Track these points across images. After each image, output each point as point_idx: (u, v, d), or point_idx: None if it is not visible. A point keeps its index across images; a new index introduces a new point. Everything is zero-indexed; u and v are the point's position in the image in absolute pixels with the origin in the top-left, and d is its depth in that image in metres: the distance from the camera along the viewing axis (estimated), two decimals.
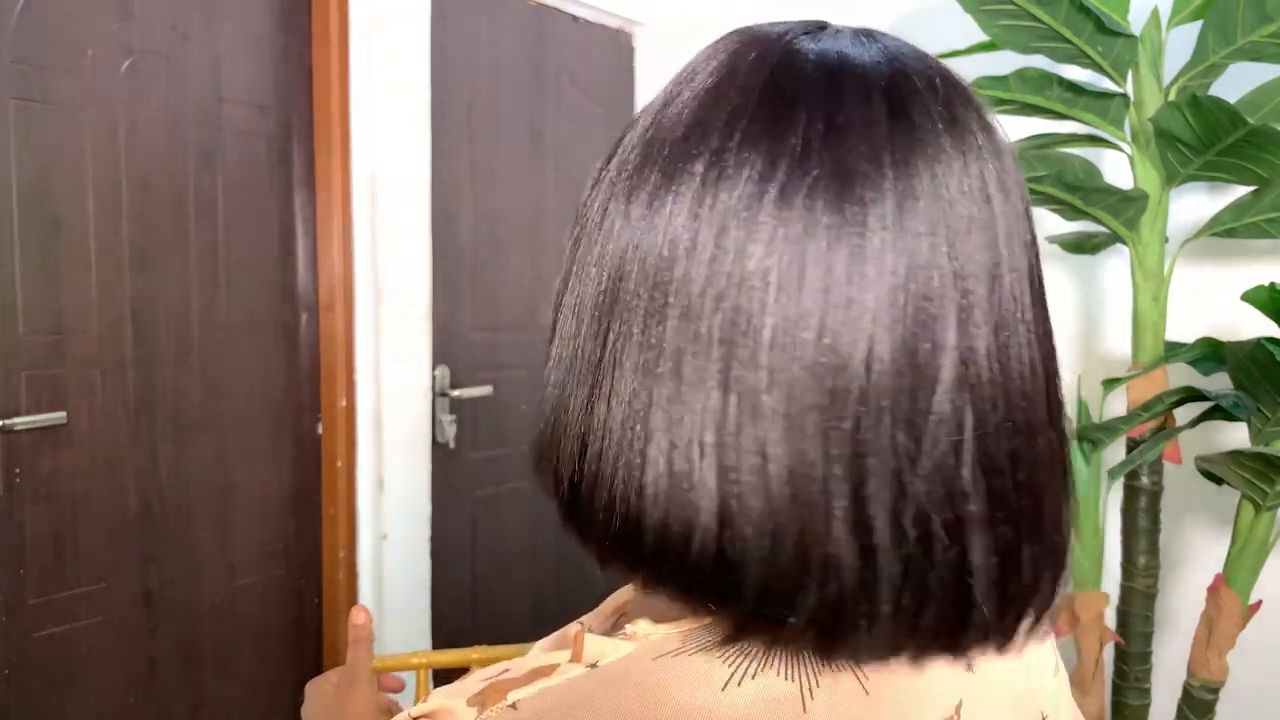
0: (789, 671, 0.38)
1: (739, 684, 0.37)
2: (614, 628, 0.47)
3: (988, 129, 0.40)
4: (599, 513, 0.39)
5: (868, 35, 0.42)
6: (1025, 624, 0.40)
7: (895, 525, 0.36)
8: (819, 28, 0.42)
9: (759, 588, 0.36)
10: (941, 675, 0.42)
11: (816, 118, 0.37)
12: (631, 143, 0.41)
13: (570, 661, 0.40)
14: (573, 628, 0.44)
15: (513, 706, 0.38)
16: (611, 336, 0.39)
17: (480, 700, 0.39)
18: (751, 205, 0.36)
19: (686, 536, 0.37)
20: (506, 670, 0.41)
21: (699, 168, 0.38)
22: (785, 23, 0.43)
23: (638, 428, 0.38)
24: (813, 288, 0.36)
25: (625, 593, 0.52)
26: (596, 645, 0.40)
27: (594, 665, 0.39)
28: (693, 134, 0.39)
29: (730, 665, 0.38)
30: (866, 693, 0.39)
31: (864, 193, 0.36)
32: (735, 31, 0.43)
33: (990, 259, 0.38)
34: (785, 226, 0.36)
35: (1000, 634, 0.39)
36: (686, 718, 0.37)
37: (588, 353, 0.40)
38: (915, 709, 0.40)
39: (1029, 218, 0.41)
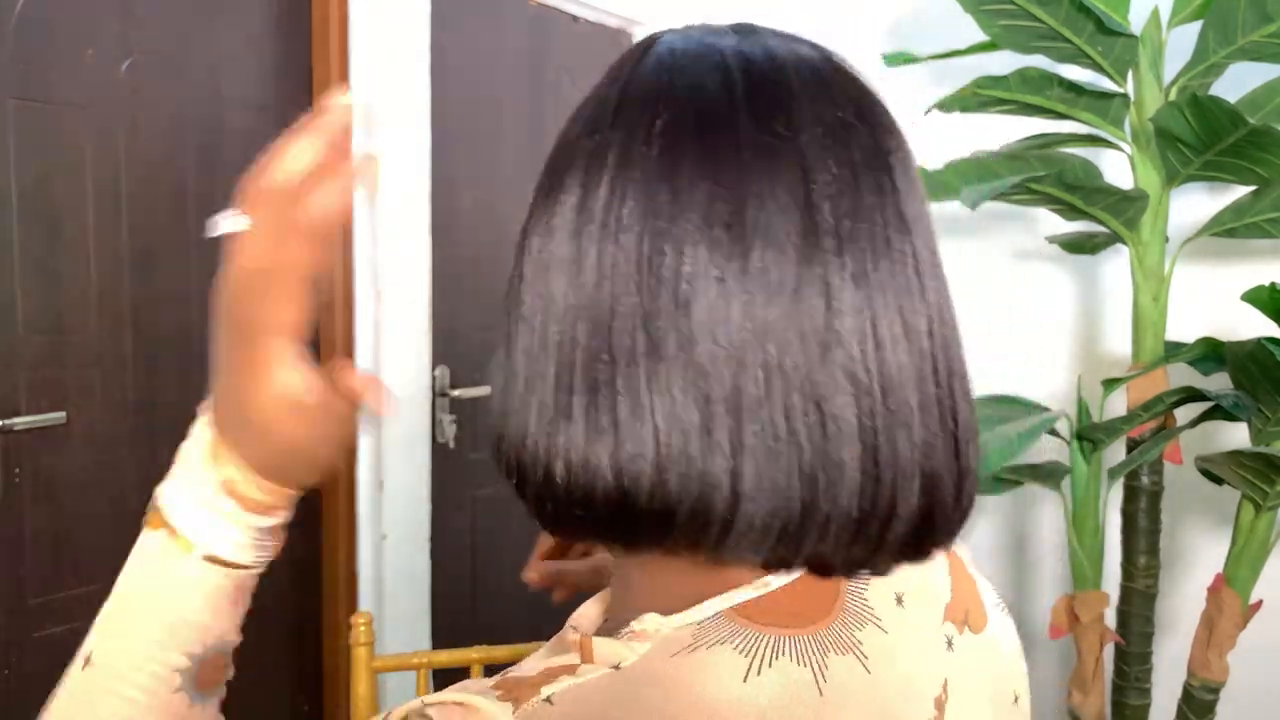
0: (800, 657, 0.40)
1: (758, 673, 0.39)
2: (609, 626, 0.47)
3: (862, 103, 0.42)
4: (557, 485, 0.40)
5: (725, 27, 0.44)
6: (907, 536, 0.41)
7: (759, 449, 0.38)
8: (695, 28, 0.45)
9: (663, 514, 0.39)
10: (931, 656, 0.45)
11: (668, 96, 0.41)
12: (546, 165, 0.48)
13: (584, 661, 0.40)
14: (567, 630, 0.44)
15: (548, 700, 0.38)
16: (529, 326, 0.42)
17: (511, 696, 0.39)
18: (619, 175, 0.41)
19: (590, 486, 0.39)
20: (509, 673, 0.41)
21: (571, 184, 0.44)
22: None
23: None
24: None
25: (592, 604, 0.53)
26: (608, 647, 0.40)
27: (617, 667, 0.39)
28: (566, 147, 0.46)
29: (745, 655, 0.39)
30: (869, 672, 0.41)
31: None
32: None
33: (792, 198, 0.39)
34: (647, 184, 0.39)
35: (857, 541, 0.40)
36: (718, 710, 0.38)
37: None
38: (911, 686, 0.43)
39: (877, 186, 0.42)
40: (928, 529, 0.41)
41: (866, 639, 0.42)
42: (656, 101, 0.41)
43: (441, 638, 2.01)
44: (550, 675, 0.39)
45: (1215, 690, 1.52)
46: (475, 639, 2.01)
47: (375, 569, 1.88)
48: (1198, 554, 1.93)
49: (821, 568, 0.42)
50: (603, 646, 0.40)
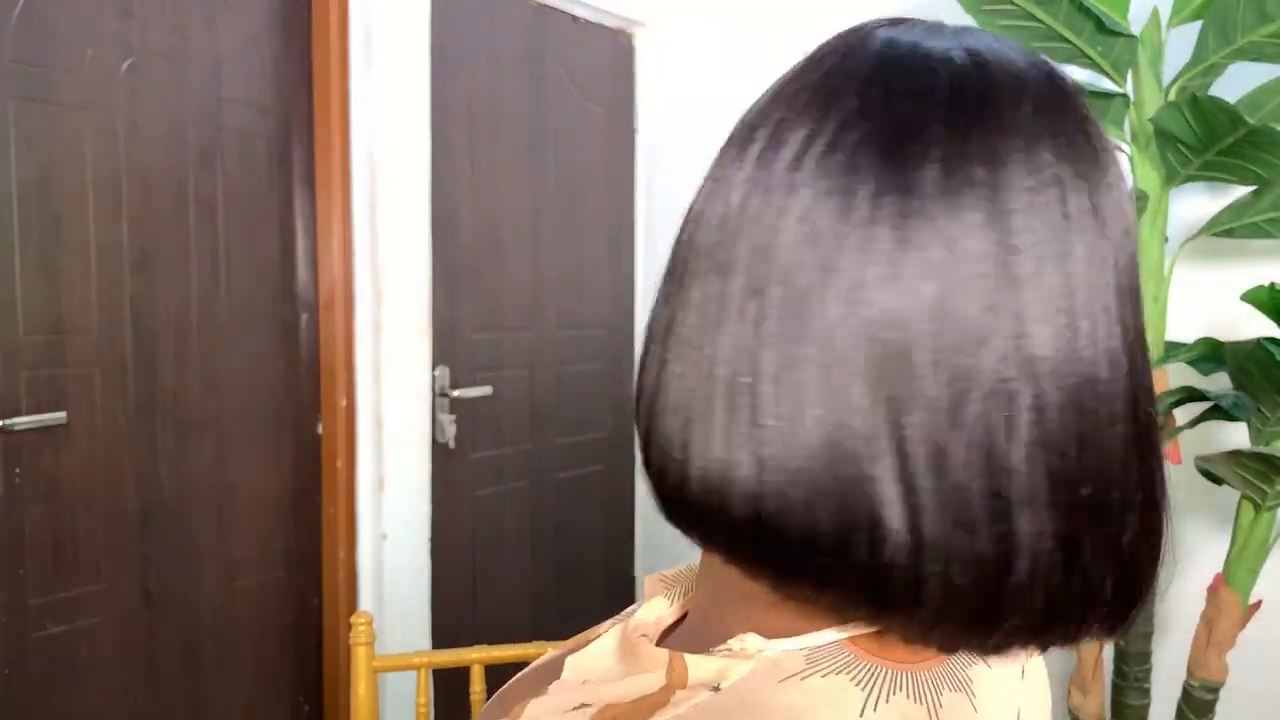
0: (916, 694, 0.38)
1: (874, 708, 0.37)
2: (690, 637, 0.44)
3: (1077, 140, 0.39)
4: (659, 473, 0.39)
5: (941, 27, 0.42)
6: (1081, 627, 0.38)
7: (936, 491, 0.35)
8: (899, 21, 0.43)
9: (802, 543, 0.36)
10: (1013, 689, 0.43)
11: (871, 91, 0.38)
12: (738, 124, 0.43)
13: (669, 685, 0.37)
14: (638, 642, 0.42)
15: None
16: (677, 300, 0.40)
17: None
18: (796, 165, 0.37)
19: (724, 491, 0.37)
20: (587, 705, 0.39)
21: (762, 133, 0.39)
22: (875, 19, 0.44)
23: (689, 388, 0.38)
24: (853, 246, 0.36)
25: (666, 587, 0.50)
26: (705, 666, 0.37)
27: (716, 689, 0.37)
28: (767, 108, 0.40)
29: (862, 688, 0.37)
30: (976, 711, 0.39)
31: (911, 156, 0.36)
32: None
33: (1059, 248, 0.37)
34: (823, 183, 0.37)
35: (1046, 630, 0.38)
36: None
37: (663, 317, 0.41)
38: (1005, 718, 0.41)
39: (1125, 239, 0.39)
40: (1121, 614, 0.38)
41: (975, 676, 0.41)
42: (848, 100, 0.38)
43: (441, 638, 2.01)
44: (645, 708, 0.37)
45: (1215, 690, 1.52)
46: (475, 639, 2.02)
47: (375, 569, 1.88)
48: (1197, 554, 1.93)
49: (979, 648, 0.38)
50: (698, 666, 0.37)
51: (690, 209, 0.41)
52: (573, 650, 0.44)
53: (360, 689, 1.15)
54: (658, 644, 0.44)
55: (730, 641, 0.38)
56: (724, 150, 0.41)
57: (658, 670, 0.38)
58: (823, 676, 0.37)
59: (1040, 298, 0.36)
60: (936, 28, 0.41)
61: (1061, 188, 0.37)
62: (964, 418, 0.35)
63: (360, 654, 1.15)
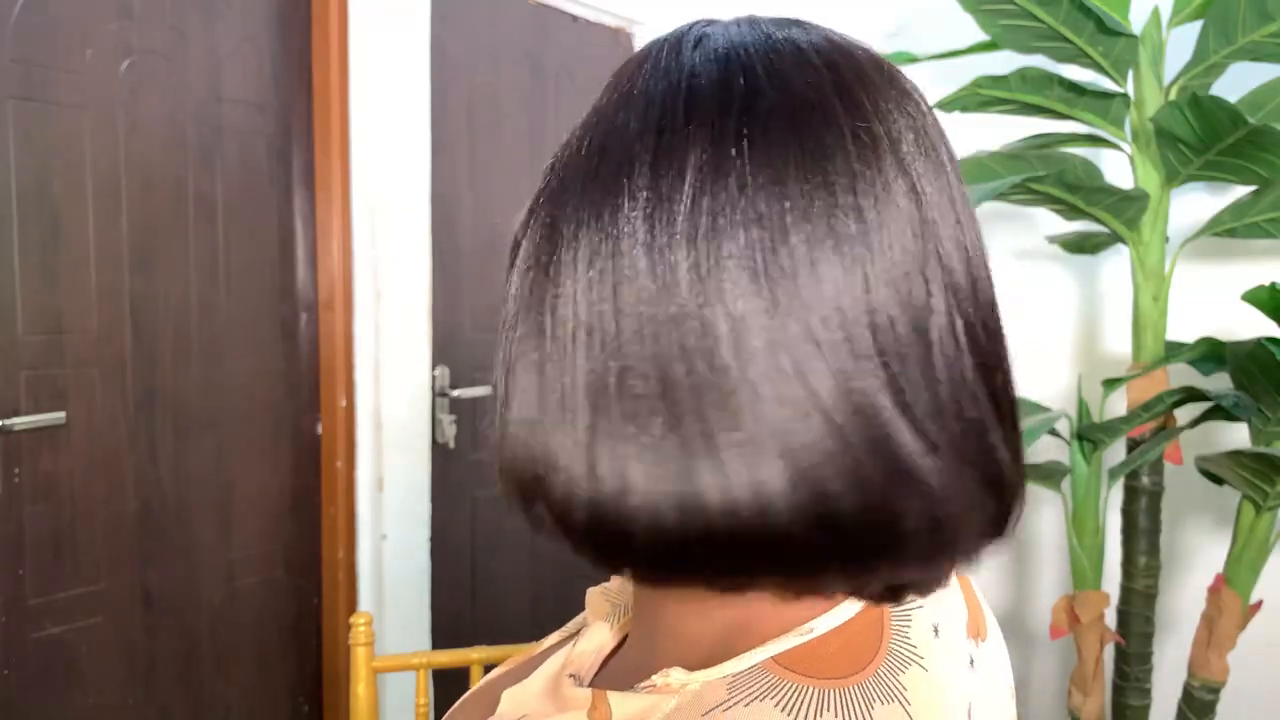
0: (845, 710, 0.37)
1: None
2: (619, 672, 0.43)
3: (874, 95, 0.39)
4: (570, 510, 0.38)
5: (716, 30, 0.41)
6: (971, 544, 0.40)
7: (940, 430, 0.37)
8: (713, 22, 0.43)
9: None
10: (960, 681, 0.42)
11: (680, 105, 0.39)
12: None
13: None
14: (563, 680, 0.41)
15: None
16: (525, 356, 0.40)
17: None
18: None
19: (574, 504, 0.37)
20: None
21: (679, 163, 0.38)
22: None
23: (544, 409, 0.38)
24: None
25: (601, 606, 0.49)
26: (628, 705, 0.36)
27: None
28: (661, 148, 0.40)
29: (787, 712, 0.36)
30: (911, 719, 0.38)
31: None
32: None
33: (940, 184, 0.39)
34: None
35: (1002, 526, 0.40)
36: None
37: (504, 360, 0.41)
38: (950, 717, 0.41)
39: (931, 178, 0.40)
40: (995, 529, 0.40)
41: (910, 682, 0.40)
42: (733, 96, 0.37)
43: (441, 638, 2.01)
44: None
45: (1215, 690, 1.52)
46: (475, 639, 2.02)
47: (375, 569, 1.88)
48: (1198, 554, 1.93)
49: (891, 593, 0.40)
50: (621, 705, 0.36)
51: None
52: (512, 680, 0.42)
53: (360, 689, 1.15)
54: (596, 674, 0.43)
55: (654, 677, 0.37)
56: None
57: (581, 711, 0.37)
58: (745, 706, 0.36)
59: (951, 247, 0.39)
60: (700, 37, 0.41)
61: (927, 138, 0.40)
62: (935, 364, 0.37)
63: (360, 654, 1.15)
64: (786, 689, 0.36)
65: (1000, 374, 0.40)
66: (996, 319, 0.41)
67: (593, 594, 0.51)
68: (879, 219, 0.36)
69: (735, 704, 0.36)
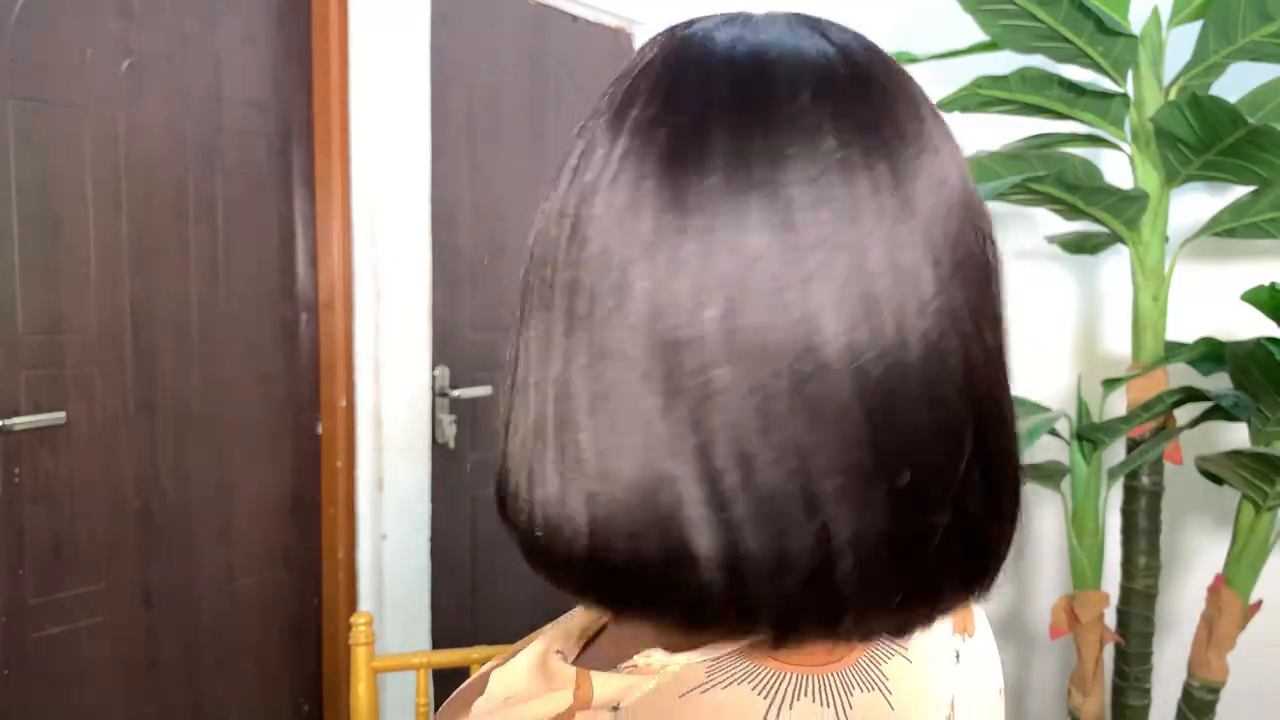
0: (823, 697, 0.37)
1: (778, 715, 0.36)
2: (599, 654, 0.44)
3: (871, 118, 0.37)
4: (520, 515, 0.38)
5: (736, 18, 0.41)
6: (934, 607, 0.37)
7: (750, 503, 0.34)
8: (734, 17, 0.42)
9: (627, 578, 0.35)
10: (945, 675, 0.43)
11: (657, 100, 0.37)
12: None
13: (574, 705, 0.37)
14: (551, 658, 0.41)
15: None
16: (516, 340, 0.39)
17: None
18: (595, 180, 0.37)
19: (560, 531, 0.36)
20: (497, 708, 0.39)
21: (577, 149, 0.38)
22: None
23: (527, 429, 0.38)
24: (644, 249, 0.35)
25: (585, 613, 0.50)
26: (610, 685, 0.37)
27: (616, 708, 0.36)
28: (583, 121, 0.40)
29: (765, 696, 0.37)
30: (893, 709, 0.39)
31: (695, 164, 0.35)
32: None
33: (850, 235, 0.35)
34: (619, 197, 0.36)
35: (902, 613, 0.37)
36: None
37: (508, 360, 0.40)
38: (929, 713, 0.41)
39: (941, 213, 0.38)
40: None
41: (892, 672, 0.40)
42: (634, 111, 0.37)
43: (441, 638, 2.01)
44: None
45: (1215, 690, 1.52)
46: (475, 639, 2.02)
47: (375, 569, 1.88)
48: (1198, 554, 1.93)
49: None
50: (603, 684, 0.37)
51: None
52: (499, 664, 0.43)
53: (360, 689, 1.15)
54: (579, 654, 0.44)
55: (636, 658, 0.38)
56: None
57: (566, 690, 0.38)
58: (723, 689, 0.36)
59: (831, 289, 0.34)
60: (732, 20, 0.40)
61: (849, 172, 0.35)
62: (768, 422, 0.34)
63: (360, 654, 1.15)
64: (764, 674, 0.37)
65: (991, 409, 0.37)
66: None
67: None
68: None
69: (713, 686, 0.36)
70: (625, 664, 0.38)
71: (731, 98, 0.36)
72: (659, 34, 0.41)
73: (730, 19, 0.40)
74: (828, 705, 0.37)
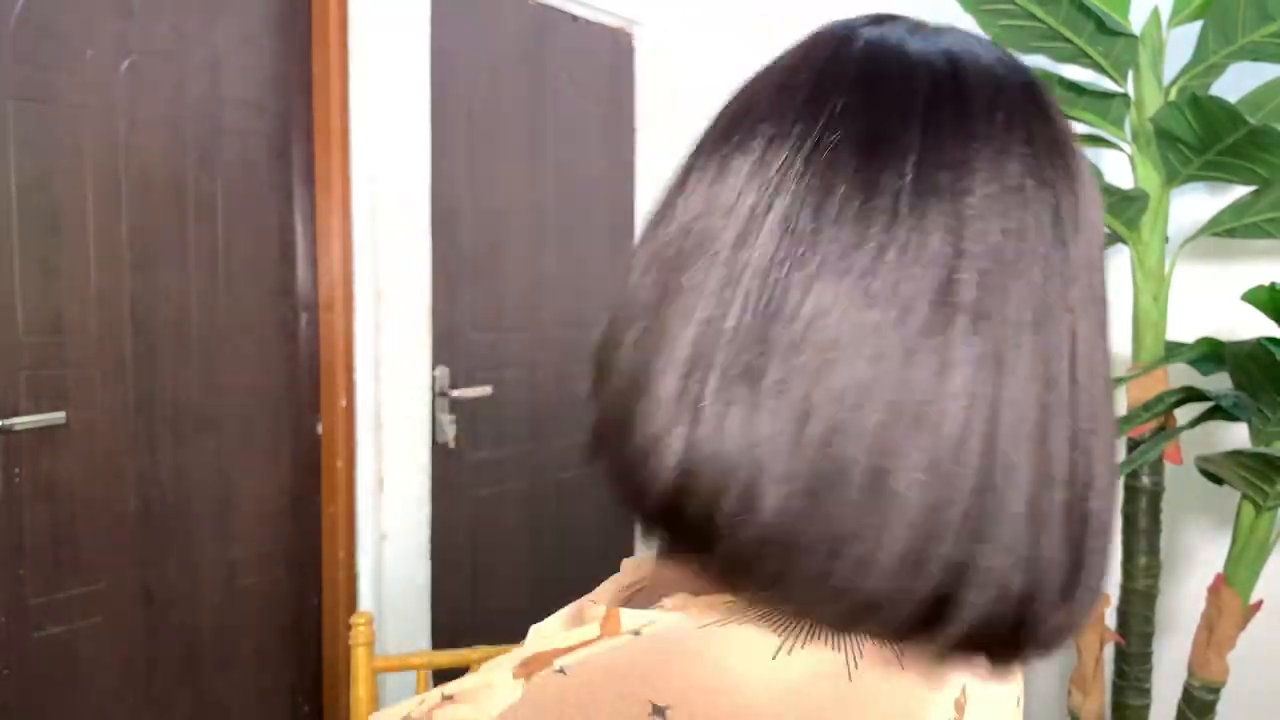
0: (836, 642, 0.39)
1: (789, 653, 0.38)
2: (635, 604, 0.46)
3: (1053, 148, 0.40)
4: (655, 480, 0.39)
5: (922, 26, 0.43)
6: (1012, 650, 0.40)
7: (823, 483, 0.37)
8: (884, 18, 0.43)
9: (705, 518, 0.37)
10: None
11: (852, 96, 0.39)
12: (723, 114, 0.43)
13: (601, 635, 0.40)
14: (586, 605, 0.44)
15: (560, 671, 0.38)
16: (670, 290, 0.40)
17: (525, 671, 0.39)
18: (782, 165, 0.38)
19: (653, 463, 0.38)
20: (530, 650, 0.41)
21: (744, 133, 0.40)
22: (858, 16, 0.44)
23: (652, 369, 0.39)
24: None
25: (634, 572, 0.52)
26: (636, 618, 0.39)
27: (637, 633, 0.39)
28: (749, 106, 0.41)
29: (778, 633, 0.38)
30: (902, 669, 0.40)
31: (886, 160, 0.37)
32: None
33: (1011, 253, 0.38)
34: (804, 182, 0.38)
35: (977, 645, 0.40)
36: (739, 685, 0.37)
37: (636, 304, 0.41)
38: (939, 686, 0.42)
39: (1089, 251, 0.40)
40: (1011, 643, 0.39)
41: None
42: (835, 100, 0.39)
43: (441, 638, 2.01)
44: (565, 649, 0.39)
45: (1215, 690, 1.52)
46: (475, 639, 2.01)
47: (375, 569, 1.88)
48: (1198, 554, 1.93)
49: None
50: (630, 618, 0.39)
51: (667, 201, 0.42)
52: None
53: (360, 689, 1.15)
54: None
55: (665, 600, 0.40)
56: (705, 145, 0.42)
57: (595, 623, 0.40)
58: (740, 624, 0.38)
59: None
60: (918, 27, 0.42)
61: (1023, 196, 0.38)
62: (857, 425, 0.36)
63: (360, 654, 1.15)
64: (784, 618, 0.39)
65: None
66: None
67: (627, 561, 0.54)
68: (886, 284, 0.38)
69: (732, 621, 0.38)
70: (656, 605, 0.40)
71: (929, 105, 0.39)
72: (832, 32, 0.43)
73: (911, 26, 0.43)
74: (839, 650, 0.38)
